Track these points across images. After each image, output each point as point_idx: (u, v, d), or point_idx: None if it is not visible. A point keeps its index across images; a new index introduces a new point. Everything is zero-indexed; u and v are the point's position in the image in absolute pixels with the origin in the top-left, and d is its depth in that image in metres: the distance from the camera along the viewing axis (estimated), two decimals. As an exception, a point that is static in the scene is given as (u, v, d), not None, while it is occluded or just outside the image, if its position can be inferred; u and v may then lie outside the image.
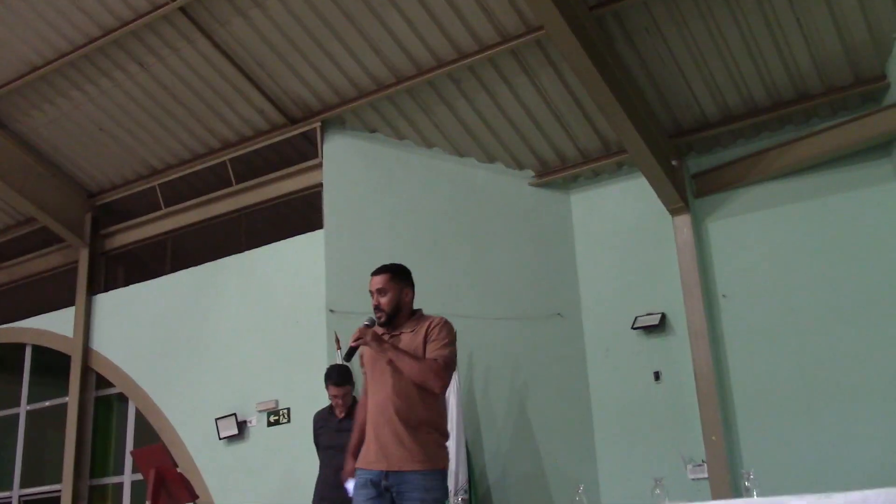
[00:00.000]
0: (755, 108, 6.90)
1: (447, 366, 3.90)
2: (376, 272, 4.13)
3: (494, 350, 7.34)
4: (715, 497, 6.11)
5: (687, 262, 6.86)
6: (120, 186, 9.57)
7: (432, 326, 4.01)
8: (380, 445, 3.88)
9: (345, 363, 4.00)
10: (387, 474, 3.85)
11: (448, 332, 4.00)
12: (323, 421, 6.06)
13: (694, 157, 7.23)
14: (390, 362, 3.93)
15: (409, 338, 4.02)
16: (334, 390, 5.95)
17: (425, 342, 3.97)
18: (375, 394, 4.00)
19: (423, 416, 3.89)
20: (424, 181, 7.97)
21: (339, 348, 7.07)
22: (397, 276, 4.11)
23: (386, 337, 4.02)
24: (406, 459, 3.81)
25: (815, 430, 6.21)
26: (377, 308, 4.06)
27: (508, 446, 7.11)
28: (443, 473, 3.89)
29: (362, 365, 4.17)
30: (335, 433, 5.85)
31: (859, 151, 6.53)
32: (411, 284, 4.16)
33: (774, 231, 6.79)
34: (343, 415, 5.95)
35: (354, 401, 6.04)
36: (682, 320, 6.84)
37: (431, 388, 3.89)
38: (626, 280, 7.25)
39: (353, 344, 3.91)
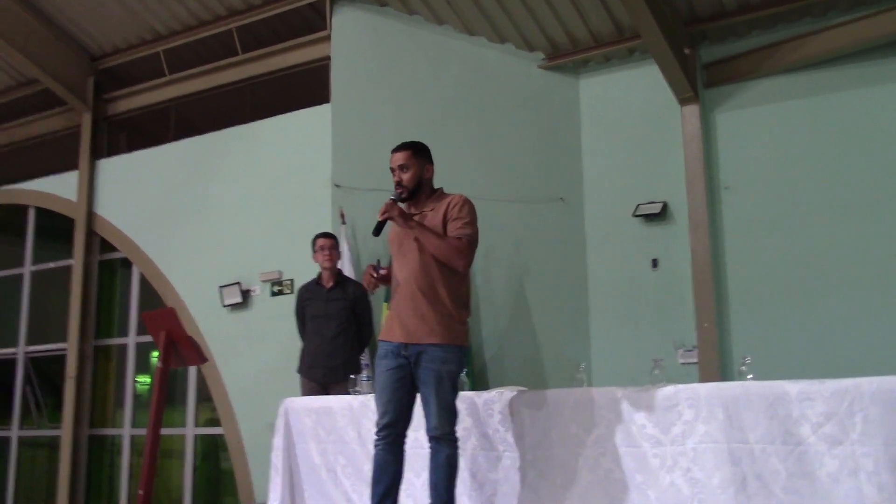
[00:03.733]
0: (773, -2, 6.71)
1: (471, 244, 3.94)
2: (397, 149, 4.12)
3: (496, 231, 7.27)
4: (703, 381, 6.28)
5: (692, 153, 6.87)
6: (123, 51, 9.39)
7: (452, 205, 4.02)
8: (401, 320, 3.96)
9: (374, 236, 4.01)
10: (406, 345, 3.95)
11: (469, 211, 4.00)
12: (310, 292, 6.09)
13: (707, 46, 7.14)
14: (416, 239, 3.96)
15: (430, 216, 4.03)
16: (322, 241, 5.99)
17: (445, 220, 3.98)
18: (400, 270, 4.03)
19: (443, 293, 3.92)
20: (433, 59, 7.85)
21: (344, 223, 7.09)
22: (419, 152, 4.11)
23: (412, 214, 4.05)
24: (425, 333, 3.89)
25: (809, 321, 6.37)
26: (399, 184, 4.07)
27: (506, 325, 7.26)
28: (460, 349, 3.97)
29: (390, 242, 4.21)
30: (323, 303, 5.92)
31: (877, 47, 6.47)
32: (431, 162, 4.16)
33: (783, 125, 6.78)
34: (331, 284, 5.97)
35: (341, 273, 6.10)
36: (684, 210, 6.91)
37: (455, 266, 3.93)
38: (629, 168, 7.28)
39: (380, 218, 3.93)
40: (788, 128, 6.76)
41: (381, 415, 3.98)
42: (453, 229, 3.95)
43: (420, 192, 4.08)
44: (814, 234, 6.51)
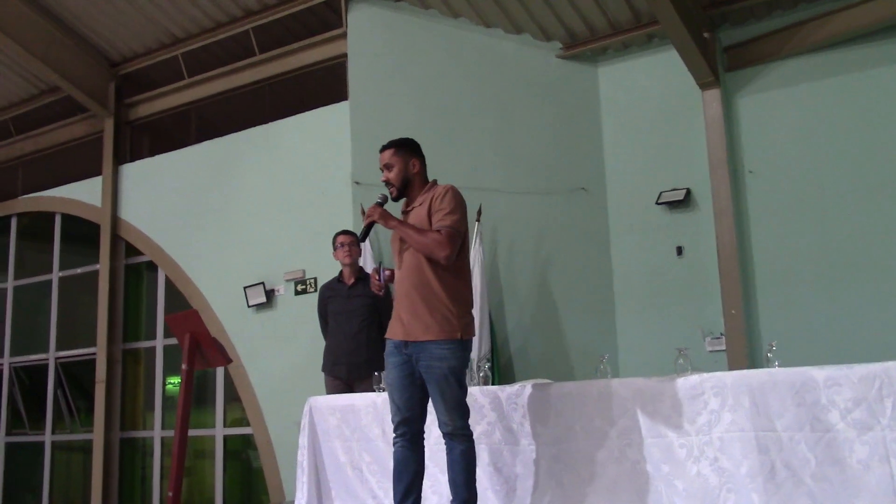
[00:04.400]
0: (794, -22, 6.60)
1: (451, 236, 3.90)
2: (381, 149, 4.16)
3: (518, 223, 7.38)
4: (731, 369, 6.21)
5: (715, 138, 6.78)
6: (142, 55, 9.50)
7: (436, 196, 4.02)
8: (400, 318, 3.99)
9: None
10: (406, 343, 3.97)
11: (451, 199, 3.98)
12: (331, 290, 6.09)
13: (727, 28, 7.02)
14: (401, 239, 4.01)
15: (417, 210, 4.06)
16: (342, 238, 5.98)
17: (430, 213, 3.99)
18: (398, 269, 4.08)
19: (437, 288, 3.93)
20: (450, 52, 7.82)
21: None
22: (401, 148, 4.12)
23: (404, 211, 4.09)
24: (420, 330, 3.90)
25: (836, 306, 6.26)
26: (387, 183, 4.12)
27: (531, 317, 7.23)
28: (460, 343, 3.93)
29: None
30: (345, 300, 5.90)
31: (901, 24, 6.29)
32: (419, 156, 4.16)
33: (807, 107, 6.66)
34: (353, 280, 5.96)
35: (362, 270, 6.12)
36: (708, 196, 6.82)
37: (438, 258, 3.91)
38: (651, 155, 7.19)
39: (365, 222, 4.02)
40: (813, 110, 6.63)
41: (395, 412, 4.00)
42: (435, 221, 3.95)
43: (411, 188, 4.11)
44: (841, 218, 6.39)
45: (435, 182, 4.16)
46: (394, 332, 4.03)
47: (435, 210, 3.96)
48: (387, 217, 3.99)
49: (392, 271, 4.14)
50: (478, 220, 7.04)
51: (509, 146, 7.56)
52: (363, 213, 7.08)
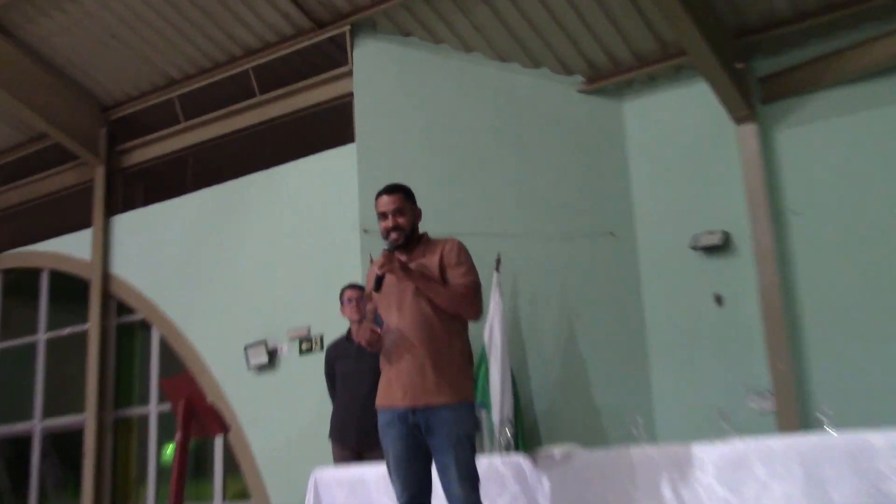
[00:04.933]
0: (830, 3, 6.63)
1: (478, 291, 3.97)
2: (388, 191, 4.10)
3: (541, 272, 7.31)
4: (782, 430, 6.09)
5: (753, 176, 6.74)
6: (136, 99, 9.53)
7: (448, 250, 4.02)
8: (403, 380, 3.90)
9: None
10: (414, 410, 3.86)
11: (466, 254, 4.04)
12: (338, 350, 6.02)
13: (761, 58, 7.03)
14: (416, 290, 3.94)
15: (422, 263, 4.01)
16: (349, 293, 5.92)
17: (442, 267, 3.98)
18: (395, 322, 3.97)
19: (447, 345, 3.91)
20: (464, 89, 7.82)
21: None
22: (410, 195, 4.12)
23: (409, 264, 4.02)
24: (433, 393, 3.83)
25: (893, 358, 6.11)
26: (396, 228, 4.02)
27: (557, 375, 7.14)
28: (472, 406, 3.93)
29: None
30: (354, 360, 5.80)
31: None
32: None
33: (852, 140, 6.62)
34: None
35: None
36: (747, 239, 6.77)
37: (468, 315, 3.96)
38: (684, 196, 7.17)
39: (380, 272, 3.91)
40: (859, 142, 6.59)
41: (401, 492, 3.91)
42: (457, 276, 3.96)
43: (412, 239, 4.08)
44: (892, 260, 6.29)
45: (427, 235, 4.17)
46: (392, 398, 3.93)
47: (451, 265, 3.97)
48: (407, 268, 3.91)
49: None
50: (496, 270, 6.96)
51: (529, 189, 7.52)
52: (372, 261, 7.15)
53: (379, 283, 3.93)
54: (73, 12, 8.59)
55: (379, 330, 3.97)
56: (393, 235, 4.03)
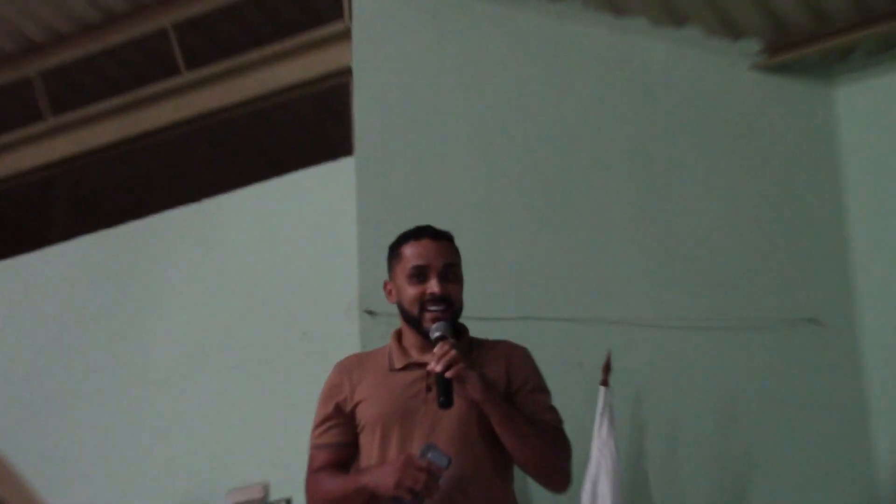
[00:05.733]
0: None
1: (566, 436, 3.17)
2: (433, 235, 3.09)
3: (686, 382, 5.46)
4: None
5: None
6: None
7: (519, 363, 3.04)
8: None
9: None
10: None
11: (536, 366, 3.18)
12: None
13: None
14: (465, 414, 2.94)
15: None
16: None
17: (509, 386, 2.97)
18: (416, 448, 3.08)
19: (500, 487, 2.96)
20: (546, 61, 5.89)
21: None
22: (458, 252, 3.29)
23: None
24: None
25: None
26: (445, 300, 2.92)
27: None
28: None
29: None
30: None
31: None
32: None
33: None
34: None
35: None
36: None
37: (556, 478, 2.92)
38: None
39: (449, 375, 2.79)
40: None
41: None
42: (541, 409, 2.99)
43: (459, 332, 3.13)
44: None
45: (468, 330, 3.20)
46: None
47: (528, 387, 2.94)
48: (484, 379, 2.81)
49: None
50: (604, 384, 5.02)
51: (662, 235, 5.71)
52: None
53: (448, 390, 2.77)
54: None
55: (444, 469, 2.88)
56: (443, 310, 2.94)
